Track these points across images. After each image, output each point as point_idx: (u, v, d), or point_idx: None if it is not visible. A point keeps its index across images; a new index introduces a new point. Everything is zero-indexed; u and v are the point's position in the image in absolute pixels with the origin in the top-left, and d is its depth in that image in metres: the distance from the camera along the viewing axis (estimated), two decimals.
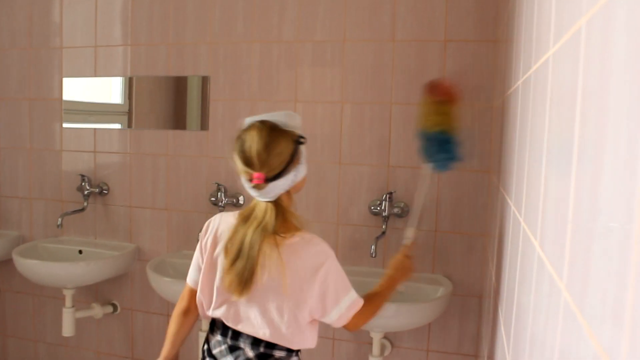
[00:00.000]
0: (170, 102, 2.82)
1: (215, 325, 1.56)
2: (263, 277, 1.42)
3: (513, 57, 1.52)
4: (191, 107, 2.77)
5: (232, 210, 1.79)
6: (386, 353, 2.48)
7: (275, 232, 1.43)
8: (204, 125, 2.73)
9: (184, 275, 2.42)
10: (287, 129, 1.44)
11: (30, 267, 2.67)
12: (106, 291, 2.99)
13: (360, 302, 1.51)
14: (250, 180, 1.41)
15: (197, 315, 1.64)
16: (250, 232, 1.43)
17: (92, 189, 2.91)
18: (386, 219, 2.44)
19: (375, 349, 2.32)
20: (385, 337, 2.49)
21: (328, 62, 2.54)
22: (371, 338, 2.32)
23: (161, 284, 2.44)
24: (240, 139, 1.44)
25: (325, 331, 2.61)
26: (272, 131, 1.41)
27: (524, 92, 1.20)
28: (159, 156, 2.82)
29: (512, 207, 1.30)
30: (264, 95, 2.62)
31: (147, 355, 2.96)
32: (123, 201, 2.91)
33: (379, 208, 2.46)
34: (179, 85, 2.78)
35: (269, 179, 1.40)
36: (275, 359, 1.49)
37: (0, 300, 3.27)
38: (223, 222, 1.53)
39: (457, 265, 2.43)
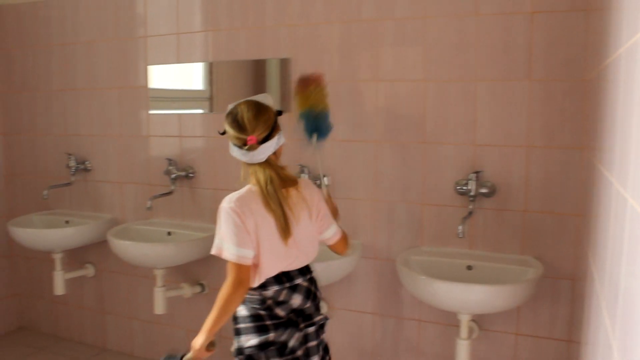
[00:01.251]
0: (250, 85, 2.85)
1: (265, 283, 1.82)
2: (296, 217, 1.79)
3: (612, 23, 1.42)
4: (271, 90, 2.79)
5: None
6: (474, 336, 2.43)
7: (283, 181, 1.79)
8: (283, 108, 2.74)
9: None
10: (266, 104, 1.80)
11: (124, 247, 2.80)
12: (194, 272, 3.10)
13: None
14: (245, 144, 1.72)
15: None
16: (272, 191, 1.76)
17: (179, 173, 3.01)
18: (473, 198, 2.37)
19: (463, 331, 2.27)
20: (473, 319, 2.44)
21: (409, 40, 2.48)
22: (459, 320, 2.28)
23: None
24: (231, 113, 1.77)
25: (412, 313, 2.59)
26: (257, 104, 1.77)
27: (628, 61, 1.12)
28: None
29: (615, 185, 1.22)
30: (345, 75, 2.60)
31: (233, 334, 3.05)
32: (208, 184, 2.99)
33: (465, 188, 2.40)
34: (258, 68, 2.80)
35: (260, 141, 1.73)
36: (313, 275, 1.92)
37: (98, 279, 3.46)
38: (248, 203, 1.77)
39: (548, 247, 2.33)
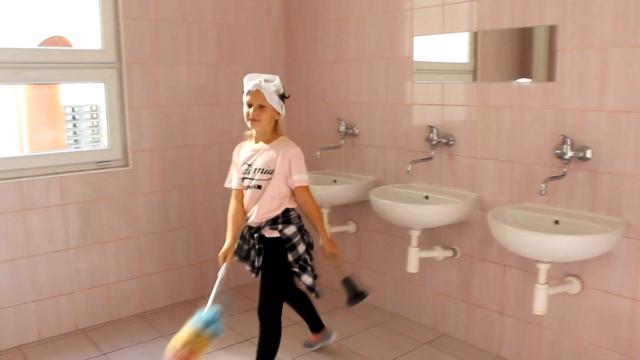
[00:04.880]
0: (515, 54, 2.81)
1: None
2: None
3: None
4: (537, 59, 2.72)
5: None
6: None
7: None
8: (550, 77, 2.66)
9: (524, 226, 2.49)
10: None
11: (383, 206, 3.02)
12: (448, 236, 3.21)
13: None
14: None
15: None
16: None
17: (439, 140, 3.12)
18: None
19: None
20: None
21: None
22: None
23: (501, 233, 2.50)
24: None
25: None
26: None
27: None
28: (503, 108, 2.86)
29: None
30: (617, 41, 2.41)
31: (482, 301, 3.09)
32: (467, 152, 3.05)
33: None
34: (524, 36, 2.75)
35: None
36: None
37: (357, 236, 3.78)
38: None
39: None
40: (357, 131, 3.65)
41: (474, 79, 2.98)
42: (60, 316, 3.38)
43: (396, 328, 3.42)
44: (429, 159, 3.16)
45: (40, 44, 3.30)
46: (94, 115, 3.56)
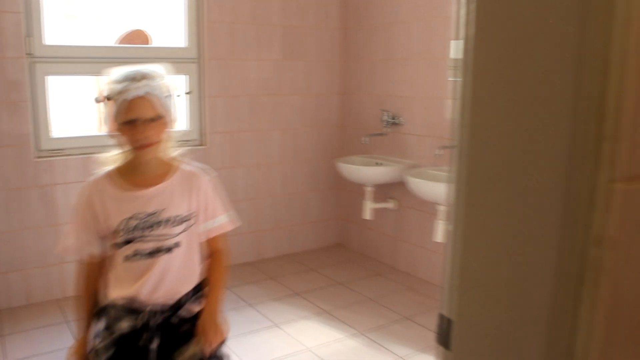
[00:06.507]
0: None
1: None
2: None
3: None
4: None
5: None
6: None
7: None
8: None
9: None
10: None
11: (416, 184, 3.57)
12: None
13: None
14: None
15: None
16: None
17: None
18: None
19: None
20: None
21: None
22: None
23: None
24: None
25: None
26: None
27: None
28: None
29: None
30: None
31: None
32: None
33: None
34: None
35: None
36: None
37: (396, 212, 4.34)
38: None
39: None
40: (400, 121, 4.19)
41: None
42: None
43: (424, 291, 3.97)
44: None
45: (123, 36, 3.99)
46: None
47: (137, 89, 1.61)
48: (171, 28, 4.12)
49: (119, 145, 1.73)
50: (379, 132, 4.33)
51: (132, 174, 1.73)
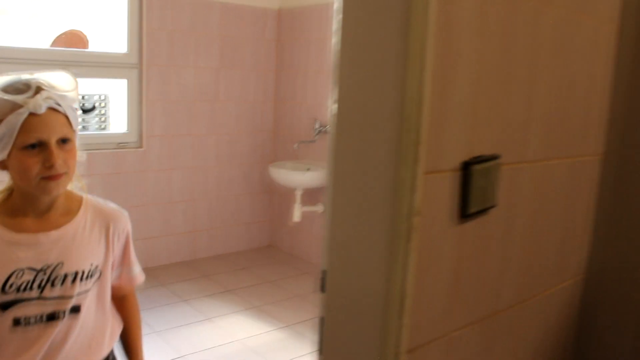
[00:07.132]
0: None
1: None
2: None
3: None
4: None
5: None
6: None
7: None
8: None
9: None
10: None
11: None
12: None
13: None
14: None
15: None
16: None
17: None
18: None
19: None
20: None
21: None
22: None
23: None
24: None
25: None
26: None
27: None
28: None
29: None
30: None
31: None
32: None
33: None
34: None
35: None
36: None
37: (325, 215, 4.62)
38: None
39: None
40: (328, 129, 4.48)
41: None
42: None
43: None
44: None
45: (57, 37, 4.07)
46: (103, 104, 4.36)
47: (45, 101, 1.19)
48: (108, 32, 4.26)
49: (9, 177, 1.27)
50: (310, 139, 4.61)
51: (26, 213, 1.28)
